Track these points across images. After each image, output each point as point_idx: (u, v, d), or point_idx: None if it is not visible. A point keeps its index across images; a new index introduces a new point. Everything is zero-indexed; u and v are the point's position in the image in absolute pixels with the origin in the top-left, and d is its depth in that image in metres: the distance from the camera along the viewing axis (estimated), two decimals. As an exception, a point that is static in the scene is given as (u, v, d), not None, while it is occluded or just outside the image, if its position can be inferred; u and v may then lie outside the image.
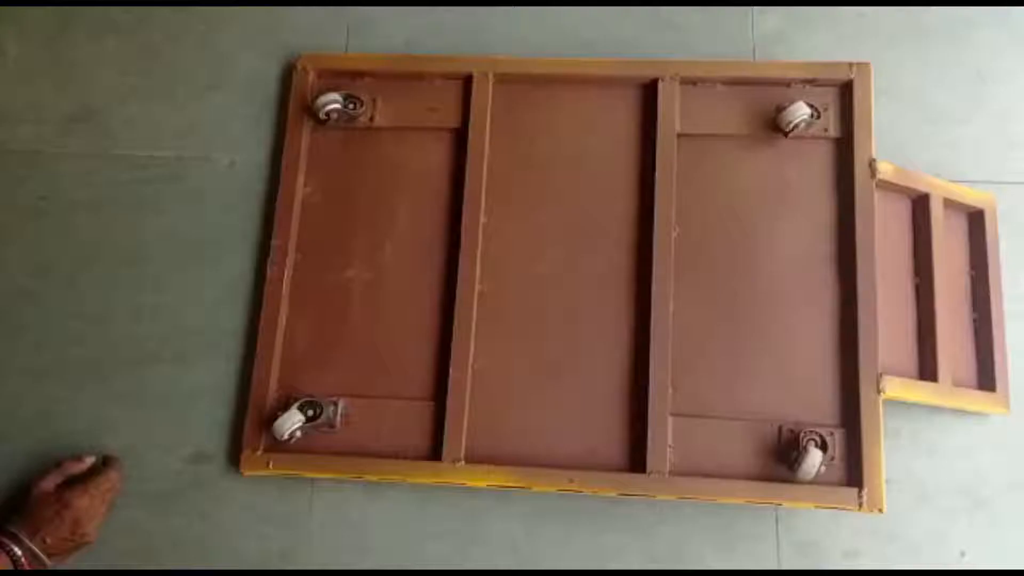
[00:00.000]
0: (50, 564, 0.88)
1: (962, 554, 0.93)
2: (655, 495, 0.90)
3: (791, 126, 0.95)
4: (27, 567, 0.85)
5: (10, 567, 0.84)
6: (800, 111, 0.95)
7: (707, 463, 0.91)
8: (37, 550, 0.86)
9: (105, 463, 0.96)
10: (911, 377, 0.94)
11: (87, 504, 0.90)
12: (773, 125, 0.98)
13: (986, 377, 0.96)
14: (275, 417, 0.92)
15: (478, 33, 1.12)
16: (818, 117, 0.97)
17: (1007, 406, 0.96)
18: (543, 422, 0.94)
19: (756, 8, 1.10)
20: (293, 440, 0.93)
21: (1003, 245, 1.00)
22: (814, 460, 0.86)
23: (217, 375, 1.01)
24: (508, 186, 1.01)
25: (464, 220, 0.99)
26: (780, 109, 0.97)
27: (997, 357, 0.96)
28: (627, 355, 0.95)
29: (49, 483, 0.91)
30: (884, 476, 0.88)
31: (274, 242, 1.01)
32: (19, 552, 0.85)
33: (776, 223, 0.98)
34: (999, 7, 1.09)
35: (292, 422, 0.92)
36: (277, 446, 0.95)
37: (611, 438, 0.94)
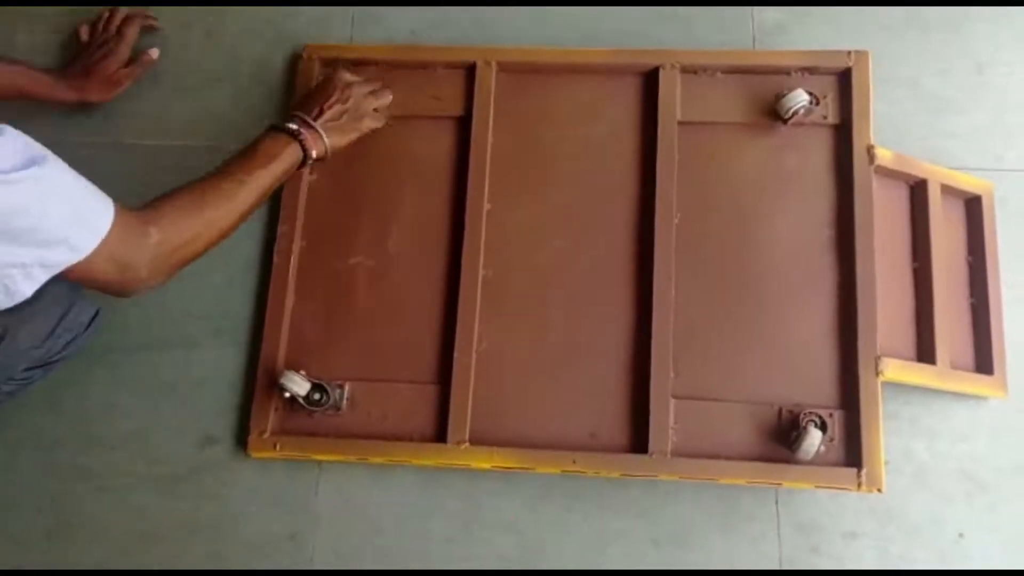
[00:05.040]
0: (327, 141, 0.93)
1: (960, 536, 0.94)
2: (657, 476, 0.92)
3: (790, 113, 0.97)
4: (308, 141, 0.91)
5: (288, 140, 0.90)
6: (799, 98, 0.96)
7: (708, 445, 0.92)
8: (314, 123, 0.92)
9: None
10: (909, 360, 0.95)
11: (358, 86, 0.97)
12: (773, 113, 1.00)
13: (984, 361, 0.97)
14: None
15: (482, 26, 1.13)
16: (817, 104, 0.98)
17: (1005, 390, 0.97)
18: (546, 405, 0.96)
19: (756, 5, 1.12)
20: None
21: (1000, 233, 1.01)
22: (813, 440, 0.87)
23: (225, 360, 1.02)
24: (511, 173, 1.02)
25: (468, 207, 1.00)
26: (779, 96, 0.98)
27: (995, 341, 0.97)
28: (629, 339, 0.97)
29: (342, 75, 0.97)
30: (883, 457, 0.89)
31: (280, 229, 1.02)
32: (295, 126, 0.90)
33: (776, 209, 0.99)
34: (998, 7, 1.10)
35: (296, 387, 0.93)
36: (284, 429, 0.97)
37: (613, 420, 0.95)
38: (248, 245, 1.06)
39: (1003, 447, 0.96)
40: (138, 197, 1.08)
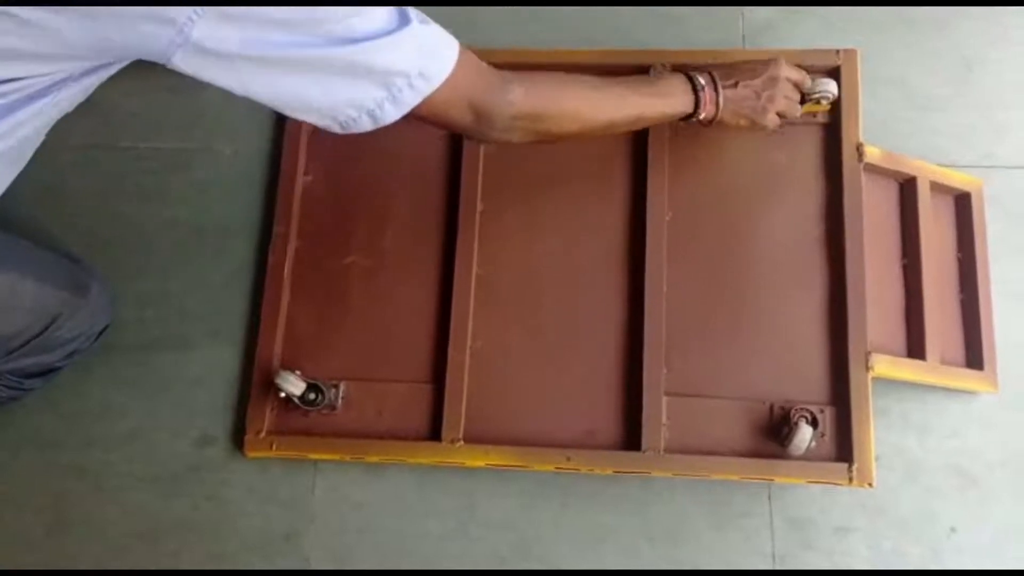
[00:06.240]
0: (721, 111, 0.88)
1: (952, 530, 0.95)
2: (650, 472, 0.93)
3: (814, 96, 0.95)
4: (705, 100, 0.87)
5: (687, 89, 0.87)
6: (830, 86, 0.94)
7: (701, 441, 0.93)
8: (722, 88, 0.88)
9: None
10: (900, 356, 0.95)
11: (784, 82, 0.90)
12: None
13: (974, 356, 0.98)
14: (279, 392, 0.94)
15: (475, 27, 1.14)
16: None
17: (995, 385, 0.97)
18: (540, 403, 0.96)
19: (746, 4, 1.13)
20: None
21: (990, 229, 1.01)
22: (804, 435, 0.88)
23: (221, 360, 1.03)
24: (504, 173, 1.03)
25: (461, 206, 1.01)
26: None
27: (985, 337, 0.98)
28: (622, 336, 0.97)
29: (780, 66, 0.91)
30: (874, 452, 0.90)
31: (276, 229, 1.03)
32: (703, 82, 0.87)
33: (766, 206, 1.00)
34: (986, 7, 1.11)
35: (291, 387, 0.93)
36: (280, 428, 0.98)
37: (607, 418, 0.95)
38: (243, 245, 1.07)
39: (994, 441, 0.97)
40: (134, 197, 1.10)
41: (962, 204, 1.02)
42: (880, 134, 1.03)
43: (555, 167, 1.03)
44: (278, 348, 1.00)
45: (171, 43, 0.62)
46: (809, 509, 0.95)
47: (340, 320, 1.01)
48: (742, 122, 0.91)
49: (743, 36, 1.11)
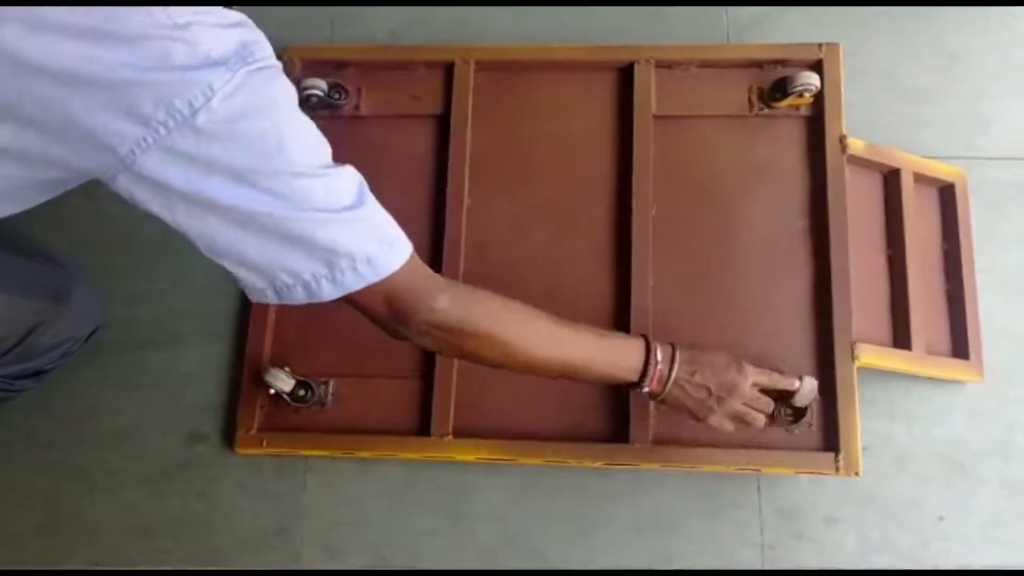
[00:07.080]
0: (667, 392, 0.81)
1: (940, 519, 0.95)
2: (638, 465, 0.93)
3: (796, 89, 0.97)
4: (653, 377, 0.80)
5: (640, 358, 0.79)
6: (811, 79, 0.96)
7: (688, 433, 0.93)
8: (676, 372, 0.80)
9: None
10: (885, 346, 0.96)
11: (749, 390, 0.83)
12: (747, 105, 1.02)
13: (959, 346, 0.99)
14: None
15: (461, 25, 1.15)
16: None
17: (981, 374, 0.98)
18: (528, 396, 0.97)
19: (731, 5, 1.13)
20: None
21: (974, 219, 1.02)
22: (811, 385, 0.86)
23: (211, 358, 1.04)
24: (490, 170, 1.04)
25: (448, 203, 1.02)
26: (782, 79, 0.99)
27: (970, 326, 0.98)
28: (609, 329, 0.97)
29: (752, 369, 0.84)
30: (860, 441, 0.90)
31: (264, 228, 1.03)
32: (660, 357, 0.80)
33: (751, 200, 1.00)
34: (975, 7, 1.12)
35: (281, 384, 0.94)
36: (270, 425, 0.98)
37: (595, 411, 0.96)
38: (233, 245, 1.07)
39: (980, 430, 0.98)
40: (122, 199, 1.10)
41: (946, 195, 1.03)
42: (864, 127, 1.04)
43: (541, 163, 1.04)
44: (267, 346, 1.01)
45: (112, 167, 0.59)
46: (798, 499, 0.96)
47: (329, 317, 1.01)
48: (684, 412, 0.84)
49: (727, 33, 1.11)
